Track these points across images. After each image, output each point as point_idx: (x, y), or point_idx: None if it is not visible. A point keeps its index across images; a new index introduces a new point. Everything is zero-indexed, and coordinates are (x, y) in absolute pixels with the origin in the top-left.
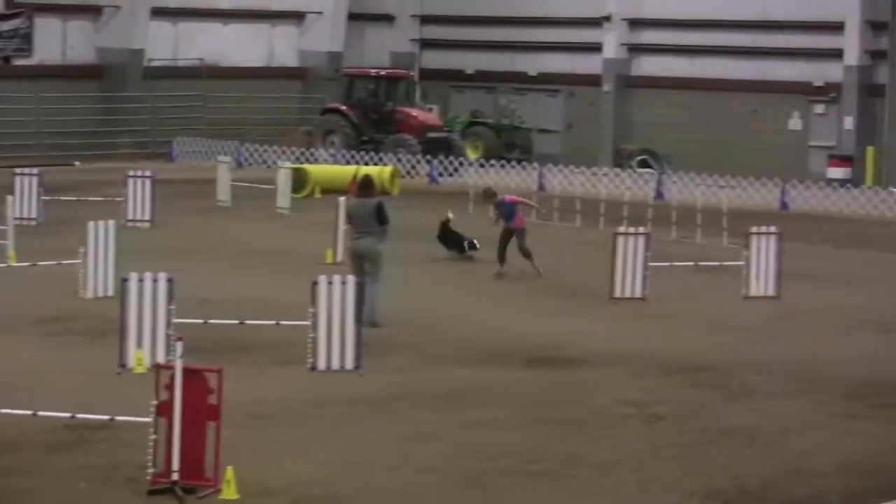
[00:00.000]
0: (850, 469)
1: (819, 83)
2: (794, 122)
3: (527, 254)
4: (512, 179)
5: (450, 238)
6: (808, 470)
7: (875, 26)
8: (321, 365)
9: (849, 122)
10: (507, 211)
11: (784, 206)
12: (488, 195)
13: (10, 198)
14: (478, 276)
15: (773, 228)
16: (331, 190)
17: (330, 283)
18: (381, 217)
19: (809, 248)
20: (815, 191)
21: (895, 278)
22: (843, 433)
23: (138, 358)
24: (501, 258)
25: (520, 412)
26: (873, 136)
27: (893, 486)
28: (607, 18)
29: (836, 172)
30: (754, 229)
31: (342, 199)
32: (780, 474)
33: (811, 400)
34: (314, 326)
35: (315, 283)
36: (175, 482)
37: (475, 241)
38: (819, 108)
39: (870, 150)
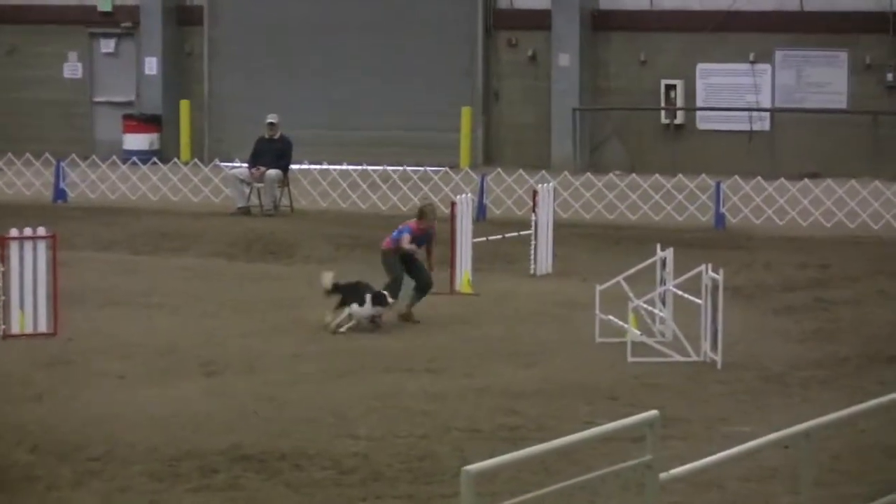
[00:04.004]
0: None
1: (106, 8)
2: (72, 68)
3: None
4: None
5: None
6: None
7: None
8: None
9: (153, 65)
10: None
11: (61, 195)
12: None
13: None
14: None
15: (42, 231)
16: None
17: None
18: None
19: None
20: (105, 172)
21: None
22: None
23: None
24: None
25: None
26: (189, 85)
27: None
28: None
29: (138, 141)
30: (15, 233)
31: None
32: None
33: (104, 485)
34: None
35: None
36: None
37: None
38: (108, 46)
39: (185, 105)
